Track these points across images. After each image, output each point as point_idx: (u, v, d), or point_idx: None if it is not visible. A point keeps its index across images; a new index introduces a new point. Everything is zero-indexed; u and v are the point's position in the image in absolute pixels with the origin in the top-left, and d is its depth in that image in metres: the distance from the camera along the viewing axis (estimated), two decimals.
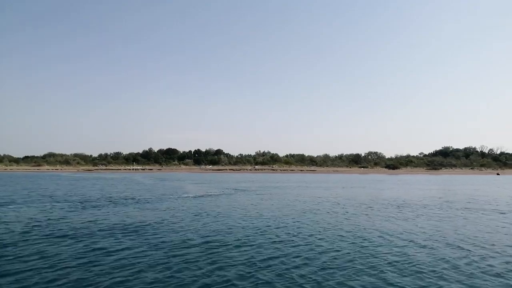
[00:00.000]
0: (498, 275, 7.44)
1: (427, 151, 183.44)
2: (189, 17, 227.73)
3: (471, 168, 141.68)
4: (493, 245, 10.28)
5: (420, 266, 8.03)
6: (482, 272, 7.64)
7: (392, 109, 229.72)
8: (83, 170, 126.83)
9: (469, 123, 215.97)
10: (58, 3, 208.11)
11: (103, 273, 7.38)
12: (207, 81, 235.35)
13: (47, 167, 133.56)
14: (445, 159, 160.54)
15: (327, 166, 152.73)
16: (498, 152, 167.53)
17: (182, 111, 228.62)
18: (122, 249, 9.41)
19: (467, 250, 9.63)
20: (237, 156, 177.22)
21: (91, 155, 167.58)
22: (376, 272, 7.58)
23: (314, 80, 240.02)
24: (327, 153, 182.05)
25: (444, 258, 8.70)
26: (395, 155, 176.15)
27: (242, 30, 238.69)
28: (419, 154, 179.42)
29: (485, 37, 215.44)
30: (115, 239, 10.65)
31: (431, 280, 7.08)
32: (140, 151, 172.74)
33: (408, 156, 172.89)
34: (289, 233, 11.97)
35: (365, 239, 10.96)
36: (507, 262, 8.39)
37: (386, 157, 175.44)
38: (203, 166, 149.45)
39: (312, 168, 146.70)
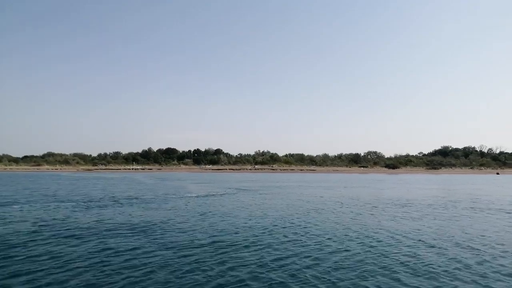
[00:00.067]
0: (511, 275, 7.43)
1: (426, 150, 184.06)
2: (189, 17, 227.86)
3: (471, 168, 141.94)
4: (503, 244, 10.27)
5: (432, 266, 8.01)
6: (494, 271, 7.62)
7: (392, 109, 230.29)
8: (82, 169, 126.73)
9: (469, 123, 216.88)
10: (58, 3, 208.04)
11: (115, 273, 7.34)
12: (207, 81, 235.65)
13: (46, 166, 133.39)
14: (444, 158, 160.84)
15: (326, 166, 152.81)
16: (498, 151, 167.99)
17: (182, 111, 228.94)
18: (132, 249, 9.37)
19: (477, 249, 9.62)
20: (236, 155, 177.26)
21: (90, 155, 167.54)
22: (389, 272, 7.55)
23: (314, 80, 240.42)
24: (327, 153, 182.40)
25: (455, 258, 8.68)
26: (395, 155, 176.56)
27: (242, 30, 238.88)
28: (419, 153, 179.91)
29: (485, 37, 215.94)
30: (124, 239, 10.62)
31: (444, 280, 7.06)
32: (140, 151, 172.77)
33: (407, 155, 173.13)
34: (296, 232, 11.95)
35: (373, 239, 10.94)
36: None
37: (386, 157, 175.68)
38: (202, 166, 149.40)
39: (312, 167, 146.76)
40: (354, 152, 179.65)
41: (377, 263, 8.19)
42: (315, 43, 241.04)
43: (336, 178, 70.69)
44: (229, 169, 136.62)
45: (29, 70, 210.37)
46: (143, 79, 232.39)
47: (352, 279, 7.10)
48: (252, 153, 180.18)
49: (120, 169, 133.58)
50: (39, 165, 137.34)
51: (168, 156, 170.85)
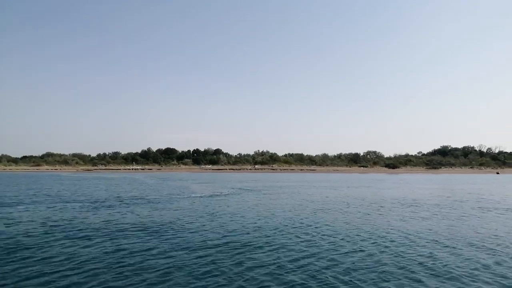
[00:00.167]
0: None
1: (426, 150, 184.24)
2: (189, 17, 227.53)
3: (471, 167, 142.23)
4: None
5: (451, 266, 7.98)
6: None
7: (392, 109, 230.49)
8: (82, 170, 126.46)
9: (468, 123, 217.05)
10: (58, 3, 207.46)
11: (134, 275, 7.28)
12: (207, 81, 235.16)
13: (46, 167, 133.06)
14: (444, 158, 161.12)
15: (326, 166, 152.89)
16: (497, 151, 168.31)
17: (181, 111, 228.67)
18: (146, 250, 9.32)
19: (492, 249, 9.60)
20: (236, 155, 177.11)
21: (89, 155, 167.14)
22: (408, 273, 7.51)
23: (314, 80, 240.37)
24: (326, 153, 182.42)
25: (472, 258, 8.65)
26: (394, 155, 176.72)
27: (242, 30, 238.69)
28: (418, 153, 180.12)
29: (485, 37, 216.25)
30: (137, 239, 10.57)
31: (466, 281, 7.03)
32: (139, 151, 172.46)
33: (407, 155, 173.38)
34: (307, 233, 11.91)
35: (386, 239, 10.91)
36: None
37: (385, 157, 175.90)
38: (202, 166, 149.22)
39: (312, 167, 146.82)
40: (353, 152, 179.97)
41: (395, 264, 8.16)
42: (315, 43, 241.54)
43: (336, 178, 70.71)
44: (229, 169, 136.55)
45: (29, 70, 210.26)
46: (143, 79, 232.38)
47: (373, 279, 7.07)
48: (251, 153, 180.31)
49: (120, 169, 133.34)
50: (38, 165, 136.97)
51: (167, 156, 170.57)
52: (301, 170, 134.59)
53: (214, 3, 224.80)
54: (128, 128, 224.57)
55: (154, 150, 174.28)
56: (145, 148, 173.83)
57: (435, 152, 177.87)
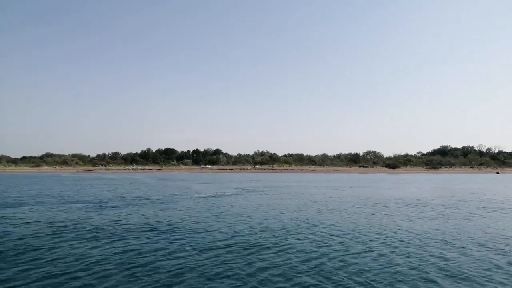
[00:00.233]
0: None
1: (425, 150, 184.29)
2: (189, 17, 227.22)
3: (471, 167, 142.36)
4: None
5: (463, 266, 7.95)
6: None
7: (391, 108, 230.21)
8: (82, 170, 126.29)
9: (467, 123, 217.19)
10: (58, 3, 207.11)
11: (145, 276, 7.23)
12: (206, 81, 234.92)
13: (46, 167, 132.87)
14: (443, 158, 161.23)
15: (326, 166, 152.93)
16: (496, 151, 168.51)
17: (180, 111, 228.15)
18: (156, 250, 9.29)
19: (502, 249, 9.58)
20: (235, 156, 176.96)
21: (89, 155, 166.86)
22: (421, 273, 7.47)
23: (314, 80, 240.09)
24: (326, 153, 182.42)
25: (483, 259, 8.62)
26: (394, 154, 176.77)
27: (242, 30, 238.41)
28: (417, 153, 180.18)
29: (484, 37, 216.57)
30: (146, 240, 10.54)
31: (480, 281, 7.00)
32: (138, 151, 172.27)
33: (406, 155, 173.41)
34: (315, 233, 11.88)
35: (395, 239, 10.88)
36: None
37: (385, 156, 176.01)
38: (202, 166, 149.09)
39: (312, 167, 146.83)
40: (353, 152, 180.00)
41: (407, 264, 8.12)
42: (315, 43, 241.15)
43: (337, 177, 70.72)
44: (229, 169, 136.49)
45: (29, 70, 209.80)
46: (142, 79, 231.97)
47: (388, 280, 7.03)
48: (251, 153, 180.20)
49: (120, 169, 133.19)
50: (38, 165, 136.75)
51: (167, 157, 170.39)
52: (301, 170, 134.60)
53: (214, 3, 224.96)
54: (128, 128, 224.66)
55: (154, 151, 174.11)
56: (145, 149, 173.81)
57: (434, 152, 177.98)
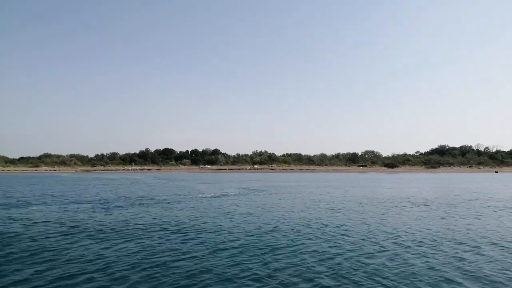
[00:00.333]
0: None
1: (423, 149, 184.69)
2: (189, 17, 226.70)
3: (469, 167, 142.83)
4: None
5: (481, 266, 7.93)
6: None
7: (391, 108, 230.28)
8: (81, 170, 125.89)
9: (467, 123, 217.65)
10: (58, 3, 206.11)
11: (161, 276, 7.18)
12: (206, 81, 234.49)
13: (45, 168, 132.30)
14: (441, 157, 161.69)
15: (325, 165, 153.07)
16: (494, 150, 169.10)
17: (180, 111, 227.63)
18: (170, 250, 9.24)
19: None
20: (234, 156, 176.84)
21: (87, 156, 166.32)
22: (438, 272, 7.45)
23: (313, 80, 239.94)
24: (324, 153, 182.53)
25: (500, 258, 8.59)
26: (392, 154, 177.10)
27: (242, 30, 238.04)
28: (416, 152, 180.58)
29: (484, 37, 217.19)
30: (158, 240, 10.49)
31: (501, 280, 6.99)
32: (137, 151, 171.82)
33: (405, 154, 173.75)
34: (326, 233, 11.84)
35: (407, 238, 10.86)
36: None
37: (383, 156, 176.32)
38: (202, 166, 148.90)
39: (312, 167, 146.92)
40: (351, 152, 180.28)
41: (423, 264, 8.09)
42: (315, 43, 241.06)
43: (337, 177, 70.77)
44: (228, 169, 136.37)
45: (29, 70, 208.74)
46: (142, 79, 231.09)
47: (407, 279, 7.01)
48: (249, 153, 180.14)
49: (119, 169, 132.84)
50: (37, 166, 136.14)
51: (165, 157, 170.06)
52: (301, 170, 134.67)
53: (214, 3, 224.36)
54: (127, 128, 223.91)
55: (152, 151, 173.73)
56: (143, 149, 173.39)
57: (433, 152, 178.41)
